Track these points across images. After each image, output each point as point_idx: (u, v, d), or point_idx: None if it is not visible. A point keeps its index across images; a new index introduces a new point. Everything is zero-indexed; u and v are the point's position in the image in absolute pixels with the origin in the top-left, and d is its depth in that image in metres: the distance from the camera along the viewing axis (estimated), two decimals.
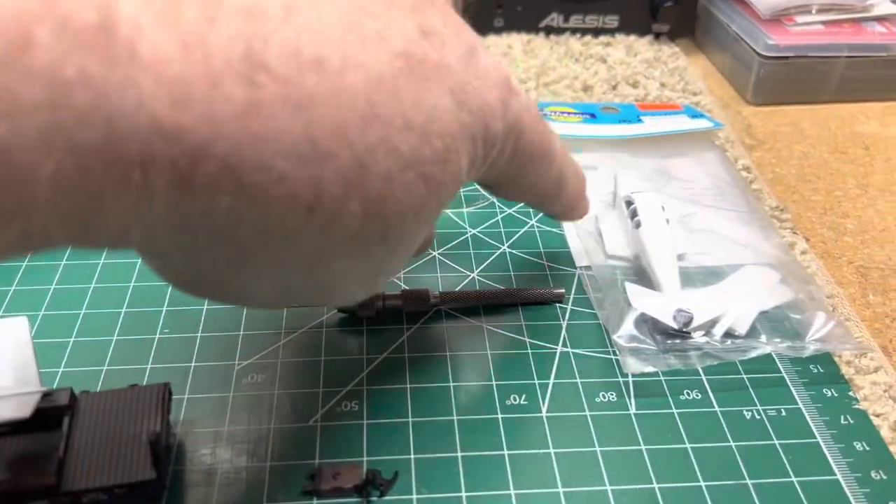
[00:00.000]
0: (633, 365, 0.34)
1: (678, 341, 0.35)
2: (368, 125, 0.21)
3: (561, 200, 0.34)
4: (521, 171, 0.29)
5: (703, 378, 0.34)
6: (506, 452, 0.31)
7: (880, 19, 0.61)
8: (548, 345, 0.36)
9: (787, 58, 0.58)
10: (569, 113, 0.51)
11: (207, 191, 0.19)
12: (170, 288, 0.38)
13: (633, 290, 0.37)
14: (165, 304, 0.37)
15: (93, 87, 0.16)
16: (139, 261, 0.40)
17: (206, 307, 0.37)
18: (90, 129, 0.16)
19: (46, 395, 0.29)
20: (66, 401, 0.29)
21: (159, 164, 0.18)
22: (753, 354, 0.35)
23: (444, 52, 0.23)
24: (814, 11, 0.60)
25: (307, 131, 0.20)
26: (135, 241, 0.20)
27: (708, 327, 0.35)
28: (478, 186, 0.33)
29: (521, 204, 0.45)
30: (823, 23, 0.60)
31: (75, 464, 0.28)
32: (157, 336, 0.36)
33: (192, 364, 0.34)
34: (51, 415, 0.29)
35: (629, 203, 0.41)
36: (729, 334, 0.36)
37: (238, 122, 0.18)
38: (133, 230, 0.19)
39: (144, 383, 0.33)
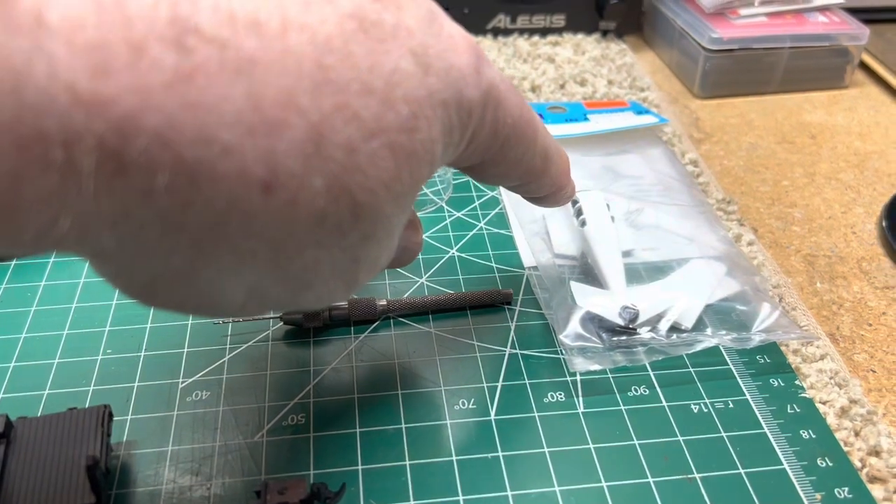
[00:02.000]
0: (580, 364, 0.34)
1: (624, 338, 0.35)
2: (321, 90, 0.19)
3: (547, 179, 0.32)
4: (506, 145, 0.27)
5: (651, 373, 0.35)
6: (454, 458, 0.31)
7: (822, 9, 0.62)
8: (496, 347, 0.36)
9: (731, 50, 0.58)
10: None
11: (143, 169, 0.17)
12: (112, 308, 0.37)
13: (579, 289, 0.37)
14: (108, 324, 0.37)
15: None
16: (81, 280, 0.39)
17: (149, 325, 0.36)
18: None
19: None
20: (1, 428, 0.28)
21: (84, 140, 0.16)
22: (699, 348, 0.35)
23: (401, 15, 0.22)
24: (756, 3, 0.61)
25: (251, 99, 0.18)
26: (70, 238, 0.18)
27: (654, 322, 0.36)
28: (440, 190, 0.32)
29: (470, 207, 0.45)
30: (766, 14, 0.61)
31: (12, 492, 0.27)
32: (100, 357, 0.35)
33: (136, 384, 0.34)
34: None
35: (574, 202, 0.41)
36: (675, 328, 0.36)
37: (170, 91, 0.17)
38: (62, 220, 0.17)
39: (87, 405, 0.33)
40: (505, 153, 0.28)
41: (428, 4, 0.24)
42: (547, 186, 0.32)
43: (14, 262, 0.40)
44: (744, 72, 0.59)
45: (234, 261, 0.21)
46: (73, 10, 0.16)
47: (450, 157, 0.26)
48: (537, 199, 0.34)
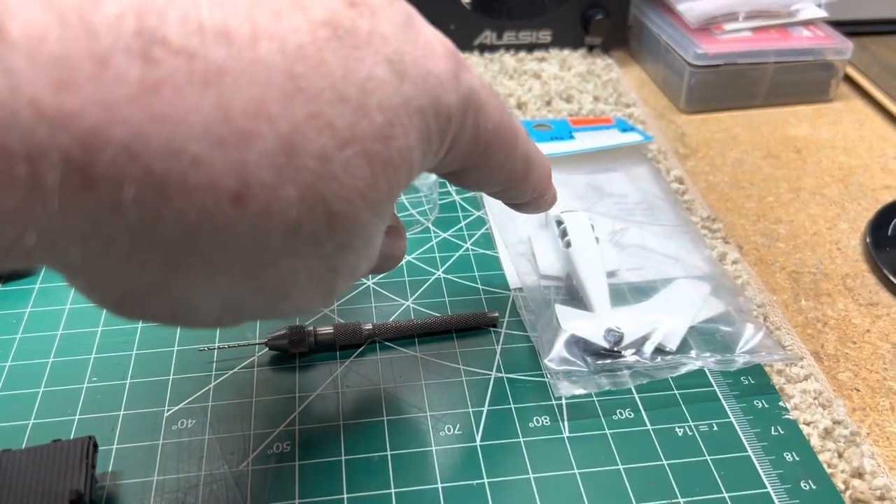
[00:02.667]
0: (565, 388, 0.34)
1: (609, 361, 0.35)
2: (292, 100, 0.19)
3: (529, 184, 0.32)
4: (488, 150, 0.27)
5: (636, 396, 0.35)
6: (439, 486, 0.31)
7: (806, 24, 0.62)
8: (482, 371, 0.36)
9: (716, 66, 0.59)
10: None
11: (110, 182, 0.17)
12: (98, 335, 0.37)
13: (563, 312, 0.37)
14: (94, 351, 0.36)
15: None
16: (67, 307, 0.39)
17: (134, 352, 0.36)
18: None
19: None
20: None
21: (48, 155, 0.16)
22: (684, 371, 0.35)
23: (376, 21, 0.22)
24: (741, 19, 0.61)
25: (220, 109, 0.18)
26: (38, 251, 0.18)
27: (638, 345, 0.36)
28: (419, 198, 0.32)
29: (456, 228, 0.45)
30: (751, 29, 0.61)
31: None
32: (85, 385, 0.35)
33: (121, 412, 0.34)
34: None
35: (559, 223, 0.41)
36: (660, 350, 0.36)
37: (136, 103, 0.17)
38: (28, 234, 0.17)
39: (72, 435, 0.33)
40: (487, 158, 0.28)
41: (405, 9, 0.23)
42: (528, 192, 0.32)
43: None
44: (729, 87, 0.60)
45: (208, 272, 0.20)
46: (35, 22, 0.16)
47: (430, 164, 0.25)
48: (519, 205, 0.34)
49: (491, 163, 0.28)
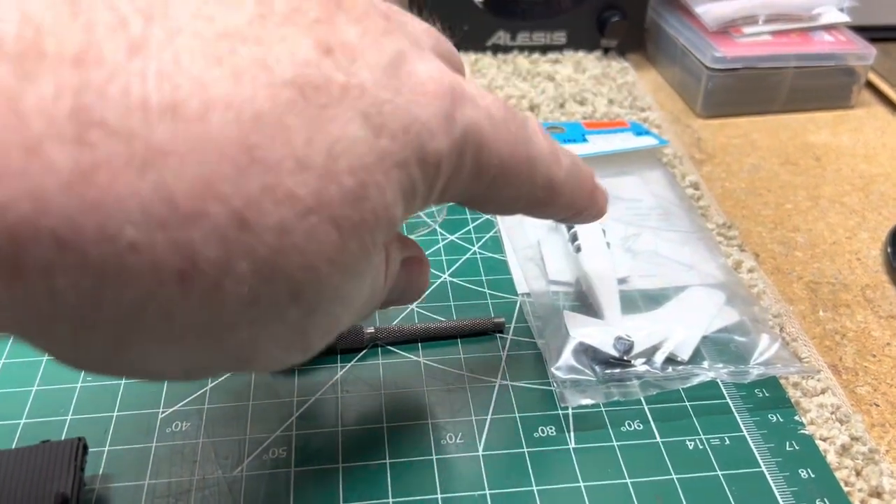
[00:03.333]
0: (572, 397, 0.33)
1: (618, 370, 0.34)
2: (245, 174, 0.18)
3: (555, 208, 0.29)
4: (494, 186, 0.25)
5: (646, 407, 0.33)
6: (439, 496, 0.30)
7: (827, 28, 0.61)
8: (486, 378, 0.35)
9: (735, 70, 0.57)
10: None
11: (42, 273, 0.16)
12: None
13: (571, 318, 0.36)
14: None
15: None
16: None
17: None
18: None
19: None
20: None
21: None
22: (696, 382, 0.34)
23: (354, 70, 0.20)
24: (761, 22, 0.60)
25: (161, 192, 0.17)
26: None
27: (649, 354, 0.35)
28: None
29: (464, 230, 0.44)
30: (771, 33, 0.60)
31: None
32: (79, 385, 0.34)
33: (115, 413, 0.33)
34: None
35: (569, 227, 0.40)
36: (671, 360, 0.35)
37: (68, 191, 0.16)
38: None
39: (63, 436, 0.32)
40: (497, 191, 0.26)
41: (394, 47, 0.22)
42: (558, 214, 0.30)
43: None
44: (747, 91, 0.58)
45: (159, 345, 0.20)
46: None
47: (420, 208, 0.24)
48: (557, 220, 0.32)
49: (503, 195, 0.26)
